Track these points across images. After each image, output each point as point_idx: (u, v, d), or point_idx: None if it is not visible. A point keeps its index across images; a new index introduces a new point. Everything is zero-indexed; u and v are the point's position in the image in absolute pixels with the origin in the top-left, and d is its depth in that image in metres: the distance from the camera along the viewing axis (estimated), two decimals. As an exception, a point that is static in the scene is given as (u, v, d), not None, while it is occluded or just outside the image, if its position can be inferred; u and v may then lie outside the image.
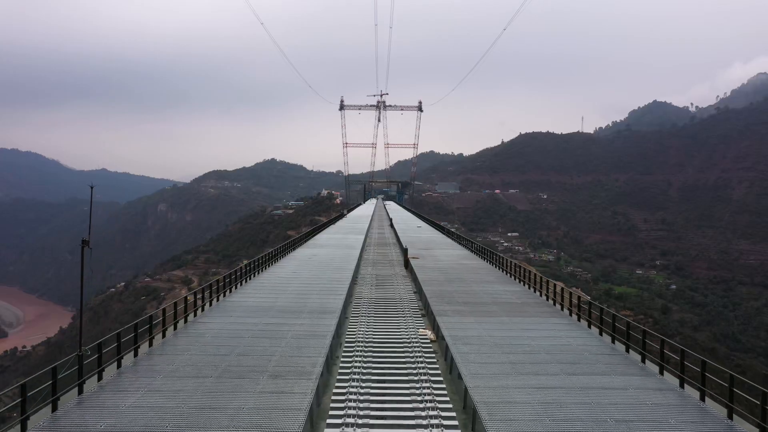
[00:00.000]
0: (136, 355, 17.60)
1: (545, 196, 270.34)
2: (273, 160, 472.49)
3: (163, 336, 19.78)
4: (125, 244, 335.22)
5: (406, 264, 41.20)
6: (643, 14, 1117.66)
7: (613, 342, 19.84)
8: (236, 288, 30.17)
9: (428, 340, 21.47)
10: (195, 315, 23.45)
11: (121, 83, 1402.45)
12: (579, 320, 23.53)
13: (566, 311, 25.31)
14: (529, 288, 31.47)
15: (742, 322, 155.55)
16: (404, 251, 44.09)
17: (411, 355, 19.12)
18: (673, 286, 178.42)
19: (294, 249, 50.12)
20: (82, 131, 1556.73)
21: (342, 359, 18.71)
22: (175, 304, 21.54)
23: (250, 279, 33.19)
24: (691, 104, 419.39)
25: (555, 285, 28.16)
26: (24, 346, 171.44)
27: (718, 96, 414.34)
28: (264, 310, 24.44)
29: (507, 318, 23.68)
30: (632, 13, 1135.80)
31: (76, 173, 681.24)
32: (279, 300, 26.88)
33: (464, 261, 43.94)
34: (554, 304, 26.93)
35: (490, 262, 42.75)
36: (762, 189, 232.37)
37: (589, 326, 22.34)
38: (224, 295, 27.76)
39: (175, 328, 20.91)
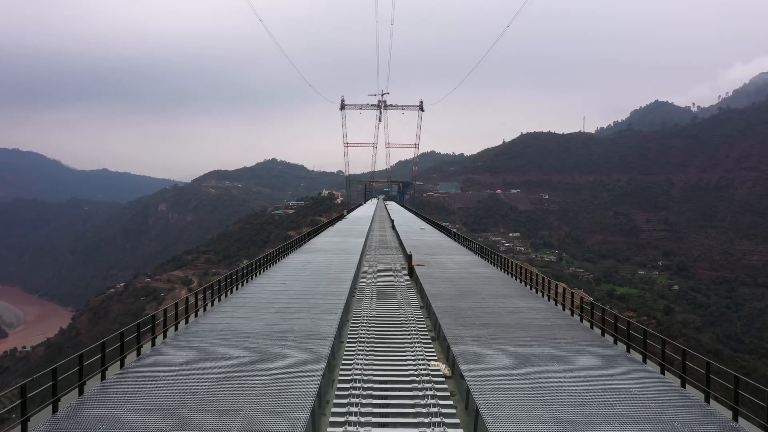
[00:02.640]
0: (55, 410, 13.13)
1: (547, 197, 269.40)
2: (274, 160, 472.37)
3: (103, 378, 15.26)
4: (126, 244, 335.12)
5: (410, 272, 37.79)
6: (643, 14, 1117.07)
7: (683, 386, 15.45)
8: (212, 305, 25.46)
9: (442, 376, 17.41)
10: (153, 344, 18.71)
11: (122, 83, 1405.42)
12: (629, 350, 18.97)
13: (609, 338, 20.78)
14: (556, 304, 26.84)
15: (745, 323, 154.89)
16: (408, 257, 40.32)
17: (423, 402, 14.92)
18: (676, 287, 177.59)
19: (287, 254, 45.64)
20: (83, 131, 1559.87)
21: (333, 409, 14.64)
22: (122, 334, 16.48)
23: (231, 293, 28.56)
24: (693, 104, 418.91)
25: (593, 305, 23.15)
26: (24, 347, 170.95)
27: (719, 96, 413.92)
28: (241, 336, 20.02)
29: (538, 347, 19.27)
30: (632, 13, 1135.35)
31: (77, 173, 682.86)
32: (261, 321, 22.39)
33: (475, 269, 39.63)
34: (591, 327, 22.23)
35: (503, 270, 38.34)
36: (765, 189, 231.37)
37: (644, 360, 17.82)
38: (196, 315, 23.18)
39: (122, 366, 16.33)
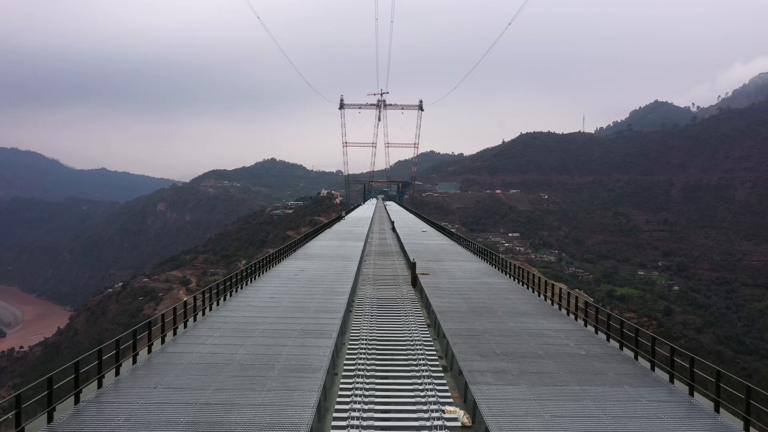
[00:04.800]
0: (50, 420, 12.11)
1: (546, 197, 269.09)
2: (273, 159, 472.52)
3: None
4: (124, 243, 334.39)
5: (414, 281, 34.81)
6: (643, 14, 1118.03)
7: None
8: (185, 327, 21.58)
9: (460, 426, 14.19)
10: (99, 386, 14.74)
11: (122, 83, 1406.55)
12: (692, 393, 15.10)
13: (660, 373, 16.94)
14: (586, 325, 23.08)
15: (745, 323, 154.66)
16: (411, 265, 36.98)
17: None
18: (676, 288, 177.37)
19: (279, 261, 42.13)
20: (82, 130, 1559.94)
21: None
22: (50, 380, 12.62)
23: (210, 310, 24.83)
24: (693, 104, 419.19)
25: (638, 331, 18.91)
26: (21, 347, 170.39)
27: (719, 96, 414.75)
28: (212, 372, 16.26)
29: (578, 388, 15.44)
30: (632, 13, 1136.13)
31: (75, 172, 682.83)
32: (240, 349, 18.74)
33: (485, 279, 36.05)
34: (636, 358, 18.42)
35: (517, 280, 34.81)
36: (765, 189, 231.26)
37: (717, 408, 14.11)
38: (163, 341, 19.44)
39: (49, 421, 12.64)
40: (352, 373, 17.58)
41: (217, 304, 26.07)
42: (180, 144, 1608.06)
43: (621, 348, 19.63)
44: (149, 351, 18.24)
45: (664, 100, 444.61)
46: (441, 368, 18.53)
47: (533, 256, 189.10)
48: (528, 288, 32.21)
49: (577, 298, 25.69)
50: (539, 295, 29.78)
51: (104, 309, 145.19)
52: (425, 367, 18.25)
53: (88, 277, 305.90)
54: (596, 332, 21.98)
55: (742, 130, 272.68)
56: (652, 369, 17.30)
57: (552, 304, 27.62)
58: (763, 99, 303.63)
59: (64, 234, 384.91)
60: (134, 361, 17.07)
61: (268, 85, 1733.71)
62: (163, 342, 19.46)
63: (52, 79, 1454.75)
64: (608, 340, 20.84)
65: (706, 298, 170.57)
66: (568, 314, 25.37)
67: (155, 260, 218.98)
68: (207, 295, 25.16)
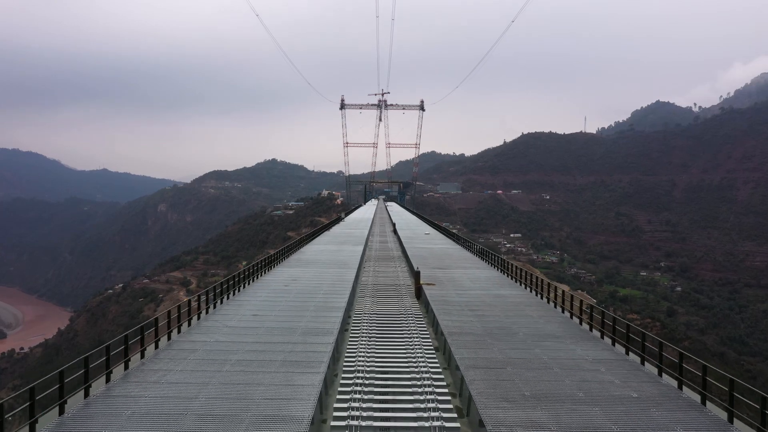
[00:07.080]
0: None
1: (548, 197, 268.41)
2: (274, 160, 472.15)
3: None
4: (125, 244, 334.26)
5: (418, 293, 31.69)
6: (643, 14, 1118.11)
7: None
8: (144, 356, 17.79)
9: None
10: None
11: (123, 84, 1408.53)
12: None
13: (739, 425, 13.42)
14: (627, 352, 19.03)
15: (748, 324, 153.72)
16: (415, 275, 33.66)
17: None
18: (678, 288, 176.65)
19: (271, 268, 38.75)
20: (83, 131, 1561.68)
21: None
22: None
23: (180, 332, 21.01)
24: (694, 104, 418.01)
25: (705, 368, 14.40)
26: (22, 348, 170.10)
27: (721, 96, 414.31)
28: (157, 428, 12.38)
29: None
30: (632, 13, 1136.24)
31: (76, 173, 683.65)
32: (204, 390, 14.89)
33: (498, 290, 32.17)
34: (704, 403, 14.48)
35: (534, 291, 31.06)
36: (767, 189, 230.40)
37: None
38: (108, 380, 15.31)
39: None
40: (343, 423, 14.08)
41: (189, 324, 22.13)
42: (181, 144, 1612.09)
43: (680, 387, 15.72)
44: (86, 395, 14.10)
45: (666, 100, 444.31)
46: (454, 410, 15.17)
47: (535, 257, 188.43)
48: (548, 301, 28.35)
49: (614, 319, 21.22)
50: (563, 311, 25.81)
51: (104, 310, 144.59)
52: (435, 413, 14.74)
53: (88, 277, 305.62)
54: (642, 363, 17.95)
55: (744, 130, 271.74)
56: (730, 421, 13.44)
57: (580, 323, 23.66)
58: (765, 99, 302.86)
59: (65, 235, 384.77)
60: (61, 412, 12.93)
61: (269, 85, 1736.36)
62: (108, 380, 15.30)
63: (53, 80, 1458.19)
64: (660, 374, 16.89)
65: (709, 299, 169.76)
66: (602, 336, 21.33)
67: (156, 261, 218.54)
68: (175, 315, 20.98)
